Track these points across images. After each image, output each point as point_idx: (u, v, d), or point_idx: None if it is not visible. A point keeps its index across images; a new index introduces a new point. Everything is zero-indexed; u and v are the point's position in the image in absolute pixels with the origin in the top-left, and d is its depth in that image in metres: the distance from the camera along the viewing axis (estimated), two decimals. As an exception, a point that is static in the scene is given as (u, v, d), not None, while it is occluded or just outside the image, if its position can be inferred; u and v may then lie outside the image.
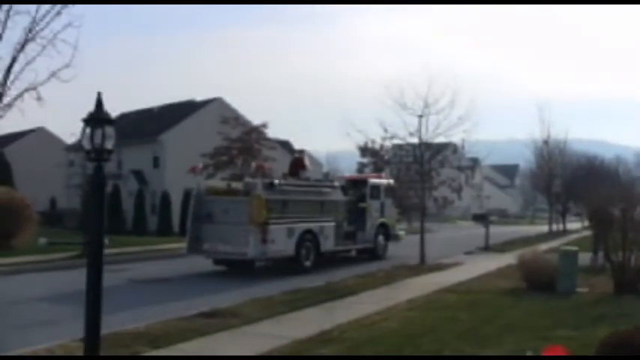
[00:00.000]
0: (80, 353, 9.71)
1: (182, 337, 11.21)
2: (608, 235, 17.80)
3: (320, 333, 11.77)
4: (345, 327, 12.42)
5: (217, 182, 26.69)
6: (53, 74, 14.07)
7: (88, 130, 6.47)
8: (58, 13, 14.15)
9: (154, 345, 10.66)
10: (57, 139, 60.70)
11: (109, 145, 6.52)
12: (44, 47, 14.26)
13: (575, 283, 17.18)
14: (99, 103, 6.40)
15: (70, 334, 10.79)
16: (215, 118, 39.29)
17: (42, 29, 14.30)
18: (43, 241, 29.42)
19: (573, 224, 57.62)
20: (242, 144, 36.18)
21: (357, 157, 40.36)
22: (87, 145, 6.48)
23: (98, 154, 6.49)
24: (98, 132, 6.41)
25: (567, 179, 51.64)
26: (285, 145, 57.31)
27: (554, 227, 52.10)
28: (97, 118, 6.44)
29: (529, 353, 7.36)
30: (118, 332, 11.52)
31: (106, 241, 6.07)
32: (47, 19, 14.24)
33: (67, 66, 13.94)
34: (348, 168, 56.15)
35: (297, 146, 56.94)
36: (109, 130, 6.51)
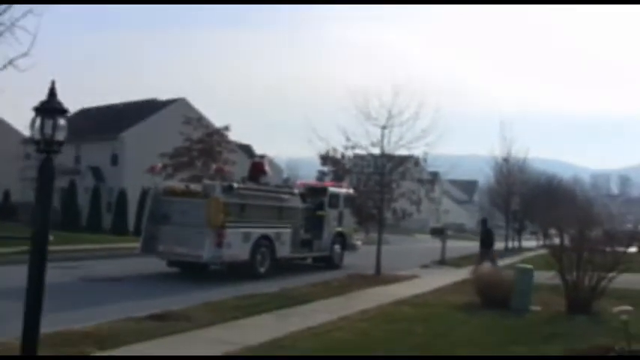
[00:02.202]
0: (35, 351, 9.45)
1: (131, 339, 10.94)
2: (562, 254, 17.84)
3: (272, 340, 11.59)
4: (297, 335, 12.25)
5: (176, 183, 26.36)
6: (10, 62, 13.71)
7: (38, 120, 6.18)
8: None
9: (101, 346, 10.38)
10: (14, 131, 59.57)
11: (61, 136, 6.22)
12: (1, 33, 13.89)
13: (529, 301, 17.20)
14: (52, 92, 6.11)
15: (15, 332, 10.44)
16: (178, 118, 38.90)
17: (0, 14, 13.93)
18: None
19: (529, 242, 58.19)
20: (203, 145, 35.85)
21: (318, 165, 40.26)
22: (37, 135, 6.19)
23: (48, 146, 6.19)
24: (49, 122, 6.11)
25: (525, 197, 52.08)
26: (247, 149, 57.08)
27: (510, 244, 52.47)
28: (48, 108, 6.15)
29: None
30: (65, 331, 11.22)
31: (51, 237, 5.69)
32: (5, 5, 13.86)
33: (24, 54, 13.59)
34: (309, 175, 55.94)
35: (258, 151, 56.74)
36: (61, 121, 6.21)
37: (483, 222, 28.22)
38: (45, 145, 6.18)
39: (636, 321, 7.68)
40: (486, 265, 24.55)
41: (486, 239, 27.51)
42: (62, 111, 6.19)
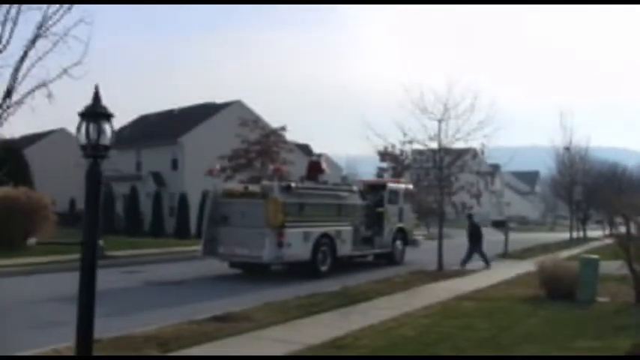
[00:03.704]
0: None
1: (192, 341, 11.01)
2: (629, 244, 17.37)
3: (334, 339, 11.52)
4: (359, 333, 12.17)
5: (234, 185, 26.52)
6: (64, 71, 13.89)
7: (83, 125, 6.19)
8: (69, 9, 13.94)
9: (164, 348, 10.46)
10: (76, 140, 60.69)
11: (106, 140, 6.23)
12: (55, 43, 14.08)
13: (595, 292, 16.83)
14: (96, 97, 6.11)
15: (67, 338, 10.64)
16: (234, 120, 39.19)
17: (53, 25, 14.11)
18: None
19: (594, 232, 57.02)
20: (260, 147, 36.08)
21: (377, 162, 40.05)
22: (82, 140, 6.21)
23: (94, 150, 6.18)
24: (94, 127, 6.12)
25: (589, 186, 51.08)
26: (305, 148, 57.16)
27: (575, 235, 51.53)
28: (93, 112, 6.15)
29: None
30: (129, 335, 11.37)
31: (101, 242, 5.71)
32: (58, 15, 14.04)
33: (78, 63, 13.76)
34: (368, 172, 55.81)
35: (316, 150, 56.82)
36: (106, 126, 6.22)
37: (469, 217, 27.56)
38: (91, 150, 6.17)
39: None
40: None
41: (474, 234, 26.93)
42: (107, 115, 6.19)
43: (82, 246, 6.11)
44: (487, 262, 26.40)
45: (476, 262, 26.65)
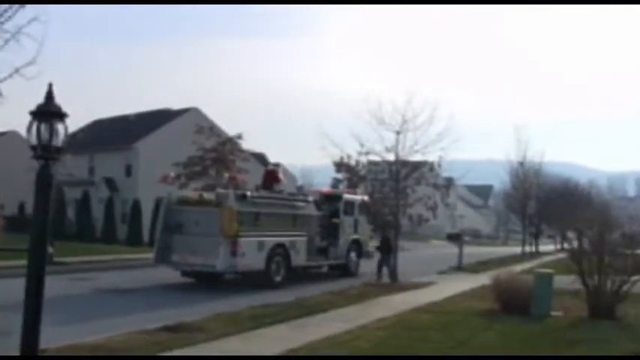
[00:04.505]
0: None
1: (143, 352, 10.72)
2: (582, 258, 17.48)
3: (287, 351, 11.33)
4: (314, 345, 12.00)
5: (189, 192, 26.17)
6: (16, 70, 13.45)
7: (35, 124, 5.88)
8: (22, 7, 13.52)
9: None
10: (27, 142, 59.53)
11: (58, 141, 5.92)
12: (6, 41, 13.63)
13: (549, 306, 16.89)
14: (49, 95, 5.81)
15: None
16: (190, 127, 38.71)
17: (5, 22, 13.66)
18: None
19: (546, 246, 57.70)
20: (216, 154, 35.71)
21: (332, 173, 40.01)
22: (33, 140, 5.89)
23: (45, 151, 5.87)
24: (46, 126, 5.83)
25: (542, 201, 51.64)
26: (260, 157, 56.88)
27: (527, 249, 52.04)
28: (45, 111, 5.85)
29: None
30: (76, 345, 11.02)
31: (50, 249, 5.38)
32: (11, 12, 13.60)
33: (31, 63, 13.33)
34: (323, 183, 55.71)
35: (272, 159, 56.61)
36: (59, 126, 5.92)
37: (383, 229, 27.54)
38: (42, 151, 5.87)
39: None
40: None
41: (384, 246, 26.77)
42: (60, 115, 5.90)
43: (29, 253, 5.79)
44: (393, 277, 25.84)
45: (429, 275, 26.66)
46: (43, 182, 5.82)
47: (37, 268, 5.82)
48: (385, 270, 25.68)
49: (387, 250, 26.33)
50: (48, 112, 5.87)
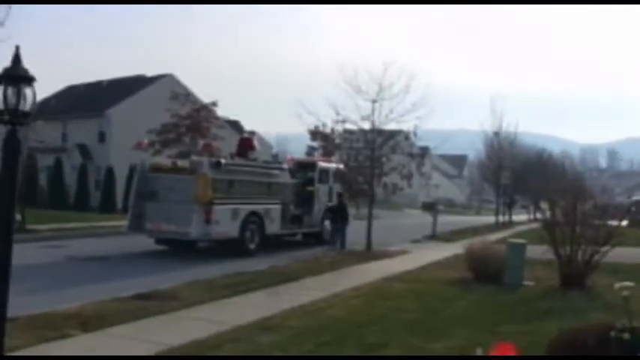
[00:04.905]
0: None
1: (116, 320, 10.64)
2: (554, 228, 17.59)
3: (261, 319, 11.31)
4: (288, 313, 12.00)
5: (163, 159, 25.98)
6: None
7: (1, 88, 5.67)
8: None
9: (85, 328, 10.05)
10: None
11: (26, 106, 5.74)
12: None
13: (522, 276, 17.00)
14: (17, 58, 5.59)
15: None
16: (165, 94, 38.30)
17: None
18: None
19: (520, 216, 58.14)
20: (191, 121, 35.44)
21: (308, 141, 39.90)
22: (0, 104, 5.72)
23: (12, 116, 5.68)
24: (13, 90, 5.62)
25: (516, 171, 51.90)
26: (235, 125, 56.51)
27: (501, 218, 52.38)
28: (12, 75, 5.65)
29: (478, 351, 6.99)
30: (48, 313, 10.94)
31: (18, 216, 5.22)
32: None
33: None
34: (298, 151, 55.65)
35: (247, 127, 56.24)
36: (27, 90, 5.73)
37: (339, 195, 27.30)
38: (9, 116, 5.68)
39: (637, 297, 7.41)
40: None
41: (341, 214, 26.62)
42: (28, 79, 5.70)
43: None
44: (343, 245, 25.80)
45: (403, 244, 26.74)
46: (11, 148, 5.66)
47: (5, 236, 5.68)
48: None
49: (344, 218, 26.23)
50: (15, 76, 5.66)
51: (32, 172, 41.38)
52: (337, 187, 28.77)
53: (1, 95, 5.66)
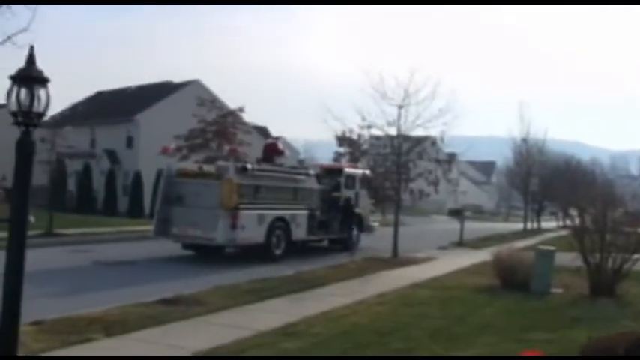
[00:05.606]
0: (25, 338, 9.16)
1: (139, 325, 10.62)
2: (584, 236, 17.34)
3: (285, 325, 11.23)
4: (312, 320, 11.90)
5: (189, 164, 26.05)
6: (8, 38, 13.23)
7: (15, 89, 5.64)
8: None
9: (108, 332, 10.05)
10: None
11: (40, 107, 5.68)
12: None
13: (550, 284, 16.78)
14: (30, 60, 5.54)
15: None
16: (192, 100, 38.50)
17: None
18: None
19: (548, 223, 57.61)
20: (217, 127, 35.52)
21: (335, 147, 39.86)
22: (13, 106, 5.67)
23: (25, 117, 5.65)
24: (27, 91, 5.56)
25: (545, 178, 51.50)
26: (262, 131, 56.65)
27: (529, 225, 51.96)
28: (26, 76, 5.62)
29: None
30: (72, 317, 10.95)
31: (32, 218, 5.17)
32: None
33: (24, 30, 13.09)
34: (325, 157, 55.57)
35: (274, 133, 56.32)
36: (41, 91, 5.67)
37: (347, 200, 26.95)
38: (22, 117, 5.65)
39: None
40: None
41: (347, 209, 26.35)
42: (42, 80, 5.65)
43: (9, 223, 5.59)
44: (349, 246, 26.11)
45: (430, 250, 26.56)
46: (24, 150, 5.61)
47: (18, 238, 5.64)
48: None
49: (350, 213, 26.10)
50: (29, 77, 5.61)
51: (61, 177, 41.74)
52: (363, 193, 28.68)
53: (14, 97, 5.63)
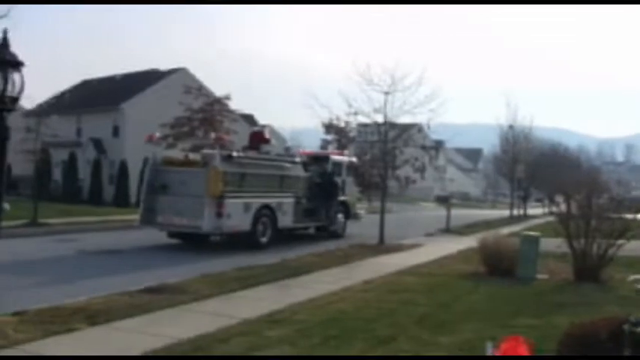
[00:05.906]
0: (6, 329, 9.12)
1: (123, 314, 10.55)
2: (569, 222, 17.37)
3: (271, 313, 11.19)
4: (297, 307, 11.87)
5: (175, 153, 25.95)
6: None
7: None
8: None
9: (92, 321, 9.97)
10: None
11: (14, 91, 5.57)
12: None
13: (535, 270, 16.80)
14: (4, 43, 5.41)
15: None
16: (179, 88, 38.41)
17: None
18: None
19: (534, 209, 57.83)
20: (204, 115, 35.45)
21: (322, 135, 39.82)
22: None
23: None
24: (0, 76, 5.46)
25: (531, 165, 51.64)
26: (249, 119, 56.52)
27: (515, 212, 52.12)
28: None
29: (489, 345, 6.87)
30: (57, 306, 10.87)
31: (7, 206, 5.05)
32: None
33: (3, 16, 12.86)
34: (312, 145, 55.56)
35: (261, 121, 56.27)
36: (15, 75, 5.56)
37: (329, 174, 26.75)
38: (-4, 101, 5.53)
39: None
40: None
41: (330, 189, 26.25)
42: (15, 64, 5.54)
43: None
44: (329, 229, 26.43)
45: (417, 237, 26.59)
46: (-1, 135, 5.52)
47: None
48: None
49: (334, 194, 26.12)
50: (2, 61, 5.48)
51: (46, 167, 41.51)
52: (350, 181, 28.66)
53: None
